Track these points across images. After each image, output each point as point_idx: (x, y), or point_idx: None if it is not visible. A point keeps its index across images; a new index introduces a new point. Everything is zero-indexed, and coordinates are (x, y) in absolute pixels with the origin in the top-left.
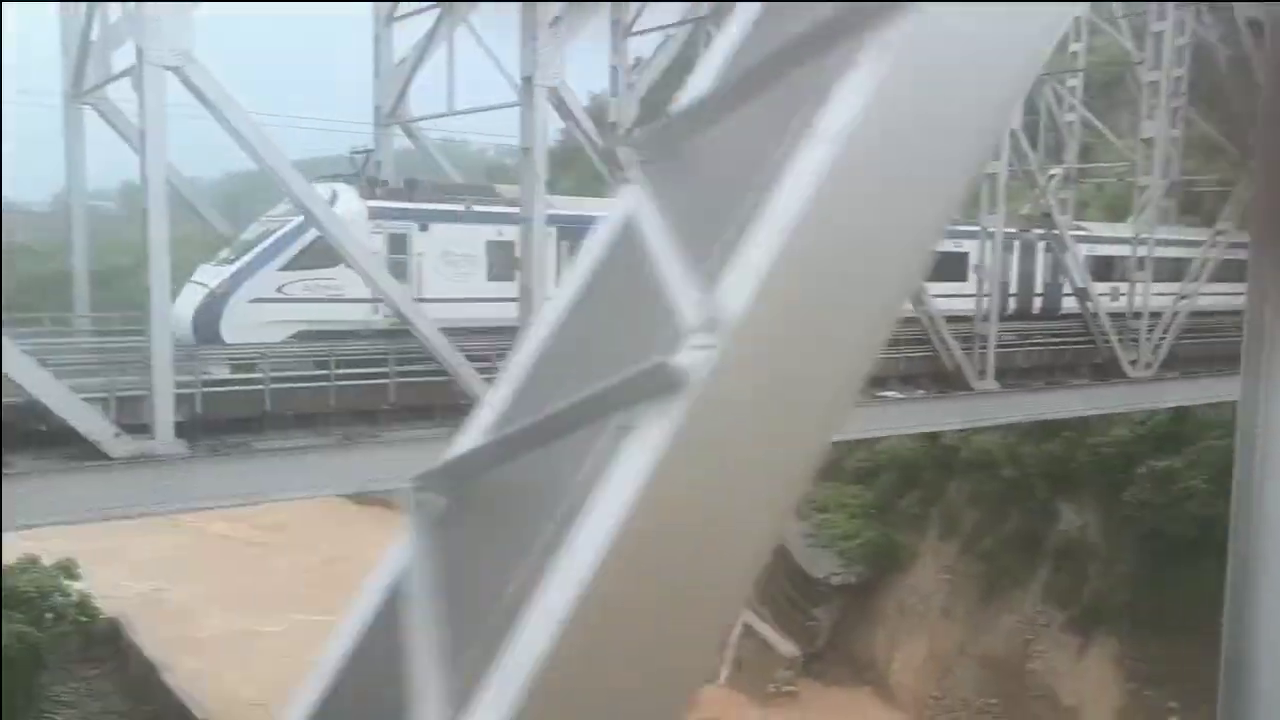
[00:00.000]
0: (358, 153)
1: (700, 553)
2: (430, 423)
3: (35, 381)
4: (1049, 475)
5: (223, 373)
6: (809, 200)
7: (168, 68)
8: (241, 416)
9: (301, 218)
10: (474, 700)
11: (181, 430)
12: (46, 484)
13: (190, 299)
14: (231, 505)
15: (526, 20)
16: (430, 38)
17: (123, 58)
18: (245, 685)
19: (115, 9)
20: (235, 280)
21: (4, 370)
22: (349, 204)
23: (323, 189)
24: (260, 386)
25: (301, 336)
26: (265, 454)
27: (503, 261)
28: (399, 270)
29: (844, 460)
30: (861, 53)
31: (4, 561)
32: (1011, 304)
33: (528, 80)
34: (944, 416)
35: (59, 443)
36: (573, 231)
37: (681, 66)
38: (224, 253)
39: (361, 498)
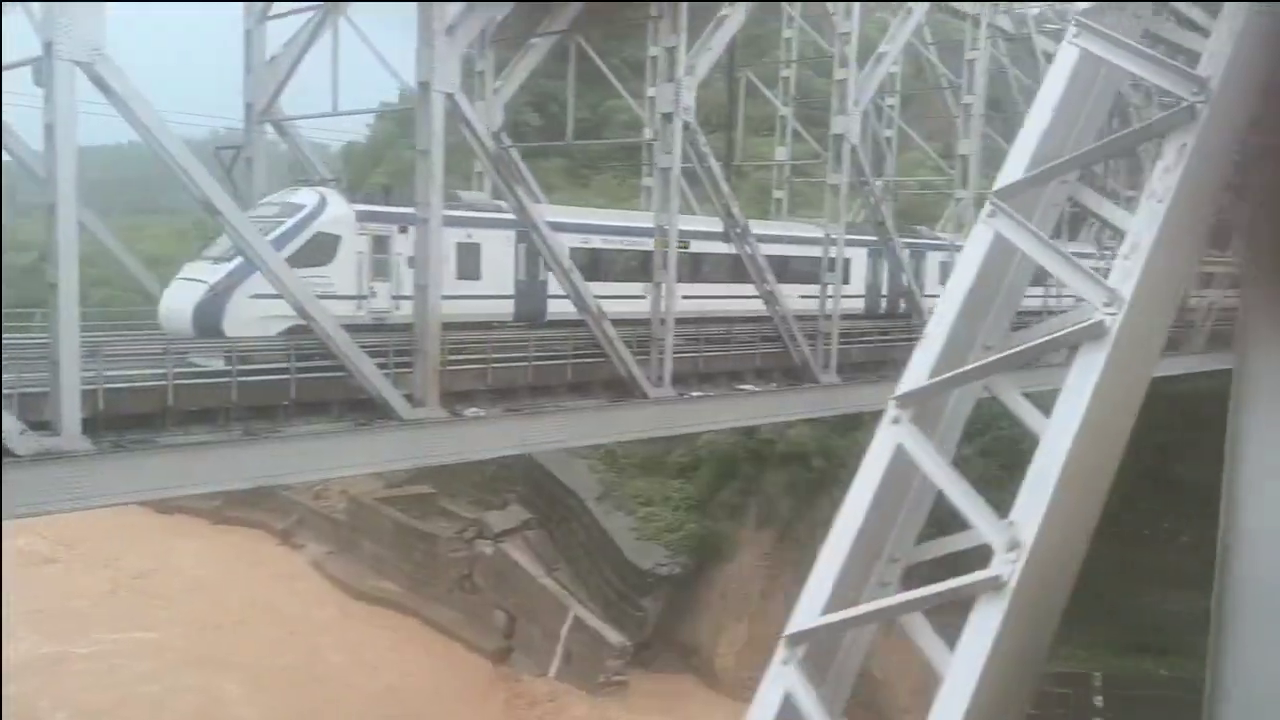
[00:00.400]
0: (224, 149)
1: (1106, 443)
2: (327, 417)
3: None
4: (855, 465)
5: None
6: (1154, 233)
7: (78, 63)
8: (144, 412)
9: (296, 218)
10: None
11: (84, 427)
12: None
13: (187, 295)
14: (136, 500)
15: (423, 25)
16: (306, 37)
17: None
18: (59, 712)
19: None
20: (236, 276)
21: None
22: (338, 208)
23: (309, 194)
24: (164, 383)
25: (294, 330)
26: (168, 449)
27: (470, 261)
28: (383, 268)
29: (666, 456)
30: (1166, 145)
31: None
32: (883, 304)
33: (425, 85)
34: (794, 408)
35: None
36: (529, 235)
37: (547, 73)
38: (212, 250)
39: (165, 505)
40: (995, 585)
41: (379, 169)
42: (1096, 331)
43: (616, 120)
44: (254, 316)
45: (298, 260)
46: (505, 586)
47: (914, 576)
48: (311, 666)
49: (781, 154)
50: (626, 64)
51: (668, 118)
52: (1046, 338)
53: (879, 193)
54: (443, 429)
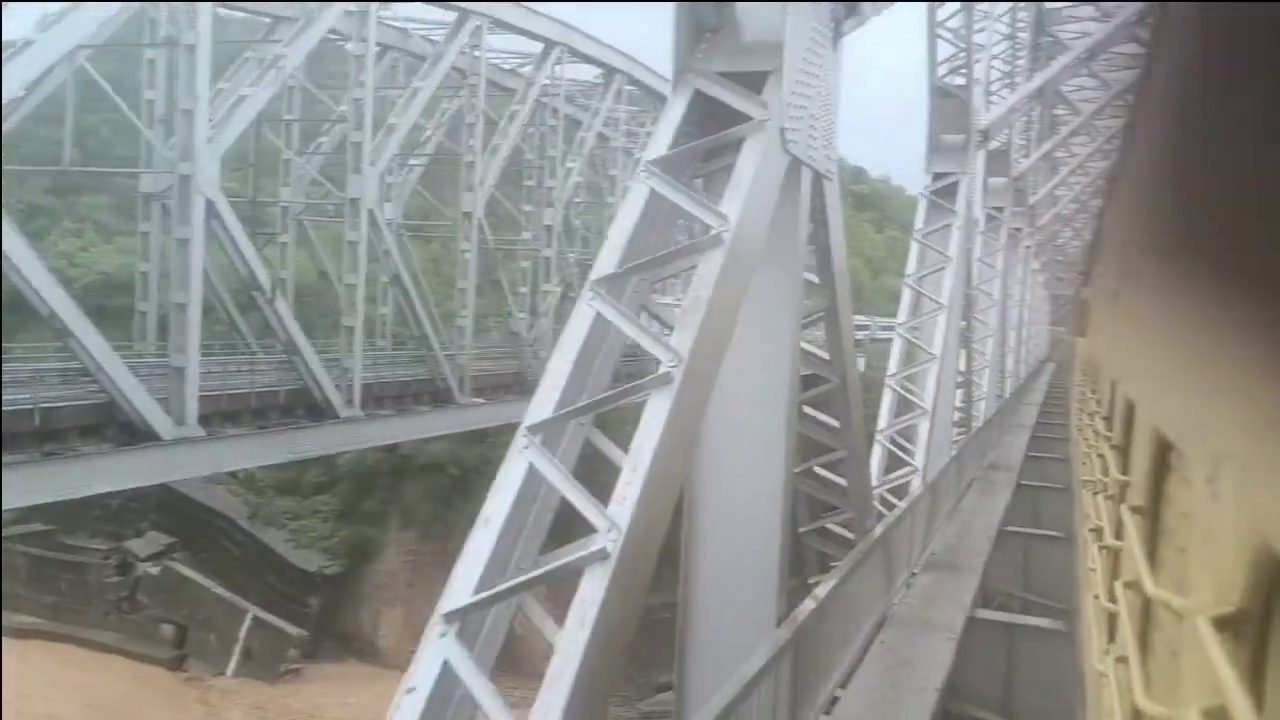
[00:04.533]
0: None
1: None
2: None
3: None
4: (481, 470)
5: None
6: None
7: None
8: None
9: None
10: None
11: None
12: None
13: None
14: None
15: None
16: None
17: None
18: None
19: None
20: None
21: None
22: None
23: None
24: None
25: None
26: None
27: None
28: None
29: (302, 476)
30: (702, 260)
31: None
32: None
33: None
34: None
35: None
36: None
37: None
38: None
39: None
40: (601, 556)
41: None
42: (666, 380)
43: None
44: None
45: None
46: (174, 601)
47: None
48: None
49: (286, 195)
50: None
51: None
52: (631, 385)
53: (395, 248)
54: (199, 445)
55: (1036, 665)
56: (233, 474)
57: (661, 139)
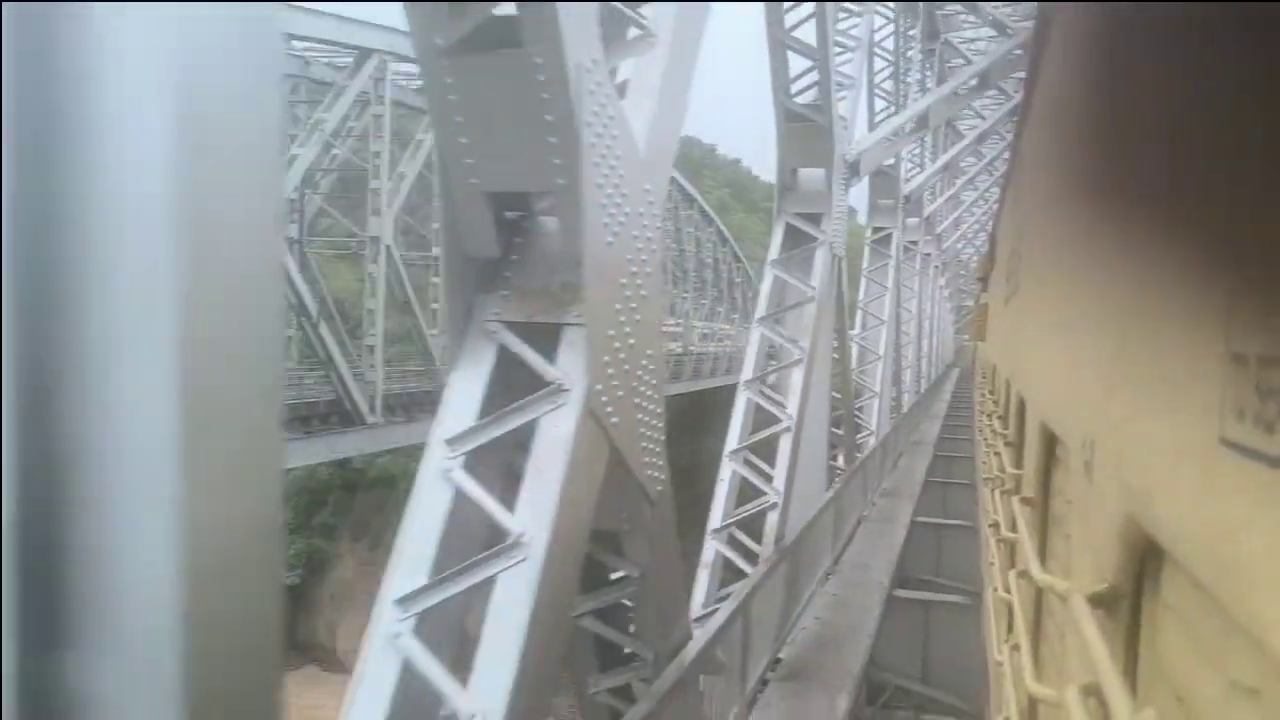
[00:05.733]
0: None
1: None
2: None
3: None
4: None
5: None
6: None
7: None
8: None
9: None
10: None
11: None
12: None
13: None
14: None
15: None
16: None
17: None
18: None
19: None
20: None
21: None
22: None
23: None
24: None
25: None
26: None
27: None
28: None
29: None
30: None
31: None
32: None
33: None
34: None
35: None
36: None
37: None
38: None
39: None
40: (787, 429)
41: None
42: (799, 361)
43: None
44: None
45: None
46: None
47: None
48: None
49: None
50: None
51: None
52: (783, 365)
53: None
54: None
55: (957, 548)
56: None
57: (775, 248)
